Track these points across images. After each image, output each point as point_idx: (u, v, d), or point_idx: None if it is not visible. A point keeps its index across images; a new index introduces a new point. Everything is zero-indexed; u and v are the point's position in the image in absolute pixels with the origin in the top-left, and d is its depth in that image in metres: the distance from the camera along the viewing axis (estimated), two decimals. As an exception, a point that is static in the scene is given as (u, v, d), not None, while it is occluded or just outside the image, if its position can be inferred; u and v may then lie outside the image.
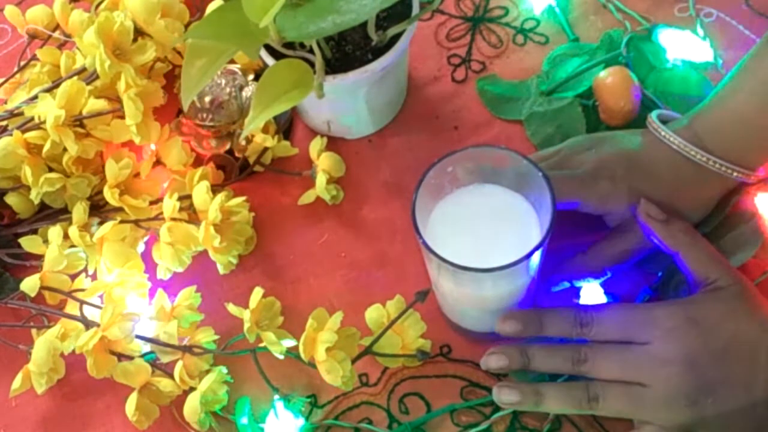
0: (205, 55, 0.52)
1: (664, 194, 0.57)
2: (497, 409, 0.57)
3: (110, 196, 0.61)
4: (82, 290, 0.61)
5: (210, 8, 0.67)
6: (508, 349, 0.55)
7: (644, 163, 0.58)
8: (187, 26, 0.67)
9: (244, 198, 0.62)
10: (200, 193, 0.61)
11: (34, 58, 0.68)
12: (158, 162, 0.65)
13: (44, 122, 0.60)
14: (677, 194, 0.58)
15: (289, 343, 0.58)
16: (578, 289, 0.60)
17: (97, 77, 0.61)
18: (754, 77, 0.56)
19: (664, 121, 0.59)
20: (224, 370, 0.60)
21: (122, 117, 0.61)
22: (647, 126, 0.60)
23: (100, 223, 0.61)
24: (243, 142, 0.67)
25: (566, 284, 0.60)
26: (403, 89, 0.70)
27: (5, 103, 0.68)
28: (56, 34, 0.70)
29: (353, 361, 0.57)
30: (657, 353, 0.52)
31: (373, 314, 0.58)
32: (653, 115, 0.60)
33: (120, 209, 0.62)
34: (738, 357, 0.52)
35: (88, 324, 0.58)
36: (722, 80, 0.58)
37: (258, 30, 0.48)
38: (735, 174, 0.57)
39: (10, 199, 0.64)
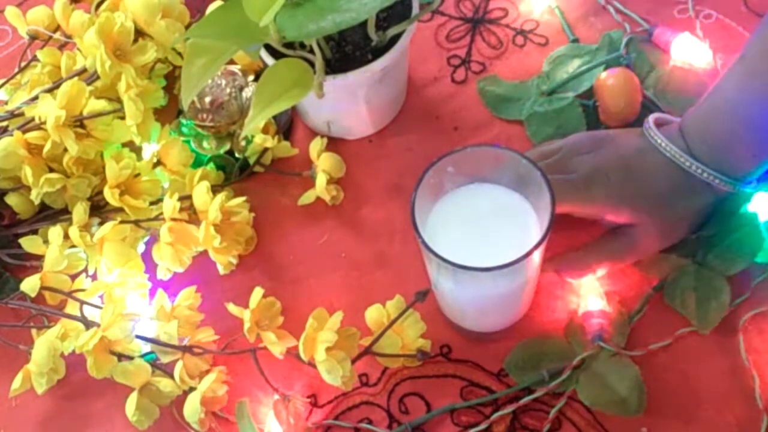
0: (206, 55, 0.52)
1: (656, 202, 0.57)
2: (497, 409, 0.57)
3: (110, 196, 0.61)
4: (83, 290, 0.61)
5: (210, 8, 0.67)
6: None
7: (639, 169, 0.58)
8: (187, 27, 0.67)
9: (244, 198, 0.62)
10: (200, 193, 0.61)
11: (34, 58, 0.69)
12: (158, 162, 0.65)
13: (45, 123, 0.60)
14: (670, 202, 0.58)
15: (289, 343, 0.58)
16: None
17: (98, 78, 0.61)
18: (739, 92, 0.55)
19: (661, 124, 0.59)
20: (224, 370, 0.60)
21: (123, 117, 0.62)
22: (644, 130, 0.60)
23: (101, 224, 0.61)
24: (243, 142, 0.67)
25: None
26: (403, 89, 0.70)
27: (6, 103, 0.68)
28: (57, 35, 0.70)
29: (353, 361, 0.57)
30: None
31: (373, 314, 0.58)
32: (650, 120, 0.60)
33: (120, 209, 0.62)
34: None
35: (88, 324, 0.58)
36: (706, 95, 0.58)
37: (258, 29, 0.48)
38: (725, 186, 0.56)
39: (11, 199, 0.64)
